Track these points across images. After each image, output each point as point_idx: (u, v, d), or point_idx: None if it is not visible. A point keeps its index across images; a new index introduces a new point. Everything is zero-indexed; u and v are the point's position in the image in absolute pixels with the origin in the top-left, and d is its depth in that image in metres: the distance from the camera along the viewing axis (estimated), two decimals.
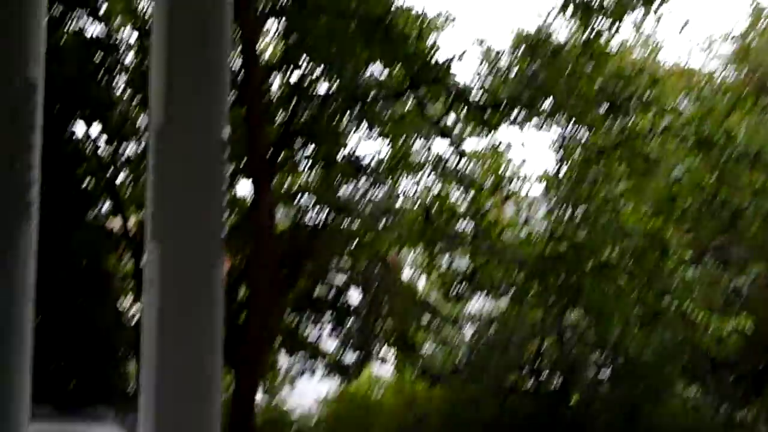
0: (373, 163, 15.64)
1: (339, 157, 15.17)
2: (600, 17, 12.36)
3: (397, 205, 15.96)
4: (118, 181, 15.53)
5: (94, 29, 14.57)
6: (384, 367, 19.57)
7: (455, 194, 15.40)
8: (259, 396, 16.76)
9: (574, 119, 13.59)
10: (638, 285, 12.31)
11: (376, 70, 13.96)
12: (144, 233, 3.23)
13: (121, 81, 15.14)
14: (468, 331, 16.79)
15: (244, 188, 16.19)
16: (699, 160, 12.32)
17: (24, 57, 2.71)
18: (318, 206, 16.66)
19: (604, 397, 13.20)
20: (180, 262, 3.13)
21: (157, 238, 3.11)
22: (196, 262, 3.14)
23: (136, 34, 14.81)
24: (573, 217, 12.59)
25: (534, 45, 13.02)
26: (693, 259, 12.69)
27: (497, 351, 13.97)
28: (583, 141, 13.80)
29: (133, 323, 14.70)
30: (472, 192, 14.90)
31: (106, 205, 15.64)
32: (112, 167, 15.28)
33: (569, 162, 14.24)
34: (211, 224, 3.06)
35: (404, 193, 15.97)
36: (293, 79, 14.73)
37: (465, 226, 14.94)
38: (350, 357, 18.02)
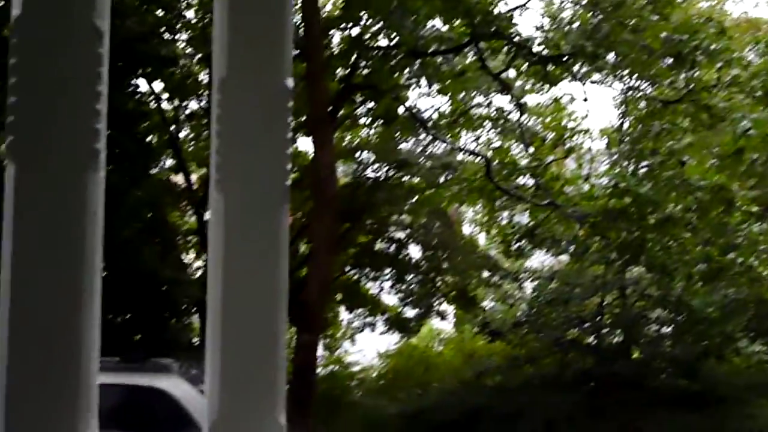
0: (433, 119, 15.58)
1: (399, 112, 15.12)
2: None
3: (458, 161, 15.91)
4: (180, 138, 15.68)
5: None
6: (444, 323, 19.63)
7: (516, 149, 15.31)
8: (320, 351, 16.92)
9: (637, 72, 13.37)
10: (702, 240, 12.16)
11: (437, 23, 13.85)
12: (207, 188, 3.27)
13: (182, 38, 15.23)
14: (528, 287, 16.75)
15: (305, 144, 16.25)
16: (766, 113, 12.06)
17: (91, 3, 2.73)
18: (378, 162, 16.68)
19: (665, 353, 13.09)
20: (244, 212, 3.17)
21: (221, 189, 3.15)
22: (261, 212, 3.16)
23: None
24: (636, 171, 12.42)
25: None
26: (759, 214, 12.48)
27: (558, 307, 13.90)
28: (647, 94, 13.59)
29: (197, 277, 14.89)
30: (533, 147, 14.80)
31: (169, 162, 15.82)
32: (174, 124, 15.42)
33: (632, 116, 14.04)
34: (276, 174, 3.08)
35: (464, 148, 15.90)
36: (353, 33, 14.68)
37: (526, 181, 14.86)
38: (410, 312, 18.08)
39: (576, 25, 13.35)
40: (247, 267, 2.97)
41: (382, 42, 14.51)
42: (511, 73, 14.59)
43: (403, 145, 16.43)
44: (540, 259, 16.99)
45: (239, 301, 3.02)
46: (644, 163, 12.51)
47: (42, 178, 2.43)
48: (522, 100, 14.91)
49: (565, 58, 13.20)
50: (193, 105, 15.41)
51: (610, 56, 13.18)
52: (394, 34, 14.10)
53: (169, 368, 8.28)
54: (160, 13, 14.44)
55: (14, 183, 2.41)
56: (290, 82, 2.89)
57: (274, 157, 2.99)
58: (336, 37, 15.00)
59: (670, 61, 12.70)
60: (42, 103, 2.40)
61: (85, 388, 2.43)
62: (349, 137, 17.11)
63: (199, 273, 15.68)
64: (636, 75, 13.60)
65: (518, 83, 15.18)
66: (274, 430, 2.94)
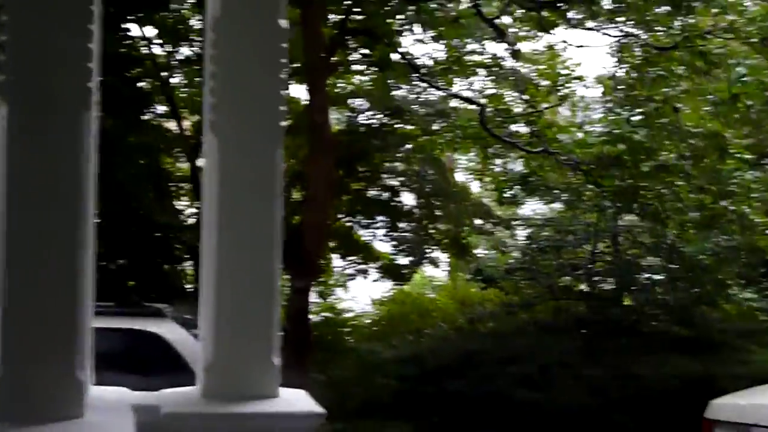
0: (427, 65, 15.49)
1: (393, 59, 15.02)
2: None
3: (451, 108, 15.85)
4: (172, 84, 15.57)
5: None
6: (437, 270, 19.70)
7: (510, 97, 15.25)
8: (314, 297, 16.98)
9: (632, 18, 13.28)
10: (695, 187, 12.18)
11: None
12: (201, 134, 3.25)
13: None
14: (521, 234, 16.78)
15: (299, 90, 16.17)
16: (762, 60, 12.01)
17: None
18: (371, 109, 16.61)
19: (657, 300, 13.16)
20: (239, 154, 3.14)
21: (215, 131, 3.12)
22: (256, 154, 3.14)
23: None
24: (630, 118, 12.39)
25: None
26: (752, 162, 12.49)
27: (550, 254, 13.95)
28: (642, 41, 13.51)
29: (190, 224, 14.88)
30: (527, 94, 14.75)
31: (162, 108, 15.73)
32: (167, 70, 15.31)
33: (627, 63, 13.98)
34: (271, 115, 3.05)
35: (458, 95, 15.83)
36: None
37: (519, 128, 14.83)
38: (403, 260, 18.13)
39: None
40: (241, 209, 2.97)
41: None
42: (506, 19, 14.50)
43: (397, 92, 16.35)
44: (533, 207, 17.01)
45: (233, 244, 3.03)
46: (639, 110, 12.47)
47: (34, 117, 2.42)
48: (516, 47, 14.83)
49: (559, 5, 13.11)
50: (185, 51, 15.29)
51: (606, 2, 13.09)
52: None
53: (162, 313, 8.31)
54: None
55: (7, 123, 2.40)
56: (285, 23, 2.86)
57: (269, 98, 2.97)
58: None
59: (665, 7, 12.62)
60: (33, 42, 2.38)
61: (80, 331, 2.44)
62: (342, 84, 17.02)
63: (192, 220, 15.68)
64: (631, 22, 13.51)
65: (512, 30, 15.08)
66: (268, 370, 2.97)
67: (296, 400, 3.00)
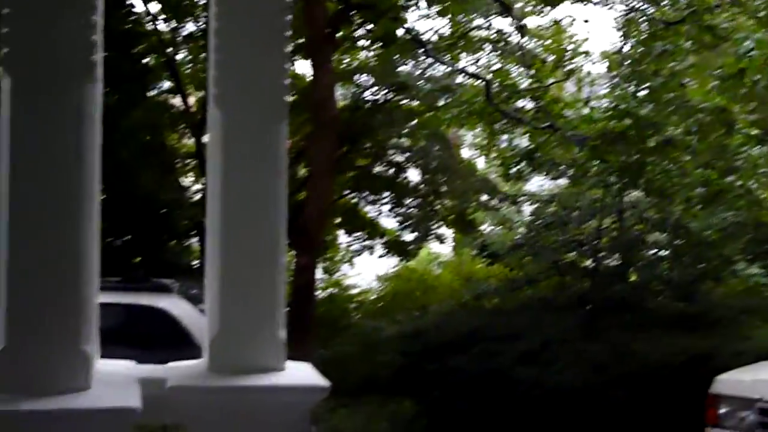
0: (432, 41, 15.44)
1: (398, 34, 14.97)
2: None
3: (457, 83, 15.80)
4: (177, 60, 15.55)
5: None
6: (442, 246, 19.71)
7: (516, 72, 15.20)
8: (319, 273, 17.02)
9: None
10: (701, 163, 12.14)
11: None
12: (206, 111, 3.24)
13: None
14: (527, 210, 16.77)
15: (303, 66, 16.14)
16: None
17: None
18: (377, 84, 16.57)
19: (662, 276, 13.15)
20: (243, 128, 3.14)
21: (219, 105, 3.12)
22: (260, 127, 3.14)
23: None
24: (636, 93, 12.34)
25: None
26: (759, 137, 12.44)
27: (556, 230, 13.93)
28: (648, 15, 13.44)
29: (195, 201, 14.90)
30: (533, 70, 14.69)
31: (166, 85, 15.72)
32: (172, 46, 15.29)
33: (634, 38, 13.90)
34: (275, 88, 3.04)
35: (464, 70, 15.78)
36: None
37: (525, 104, 14.78)
38: (409, 236, 18.14)
39: None
40: (246, 183, 2.97)
41: None
42: None
43: (402, 68, 16.31)
44: (539, 183, 16.98)
45: (238, 218, 3.02)
46: (645, 85, 12.41)
47: (38, 90, 2.42)
48: (522, 22, 14.77)
49: None
50: (190, 26, 15.26)
51: None
52: None
53: (169, 288, 8.34)
54: None
55: (10, 96, 2.39)
56: None
57: (273, 71, 2.97)
58: None
59: None
60: (37, 15, 2.37)
61: (85, 304, 2.45)
62: (347, 60, 16.98)
63: (197, 197, 15.69)
64: None
65: (518, 5, 15.02)
66: (273, 344, 2.98)
67: (302, 373, 3.01)
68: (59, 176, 2.42)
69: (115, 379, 2.64)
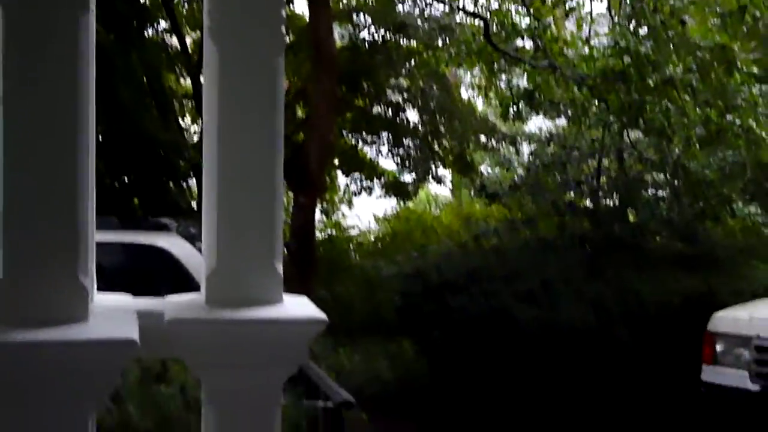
0: None
1: None
2: None
3: (456, 23, 15.67)
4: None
5: None
6: (441, 188, 19.72)
7: (515, 10, 15.05)
8: (318, 215, 17.03)
9: None
10: (701, 102, 12.08)
11: None
12: (202, 50, 3.20)
13: None
14: (526, 150, 16.73)
15: (302, 5, 15.98)
16: None
17: None
18: (375, 24, 16.44)
19: (661, 216, 13.16)
20: (239, 63, 3.10)
21: (215, 39, 3.08)
22: (256, 62, 3.10)
23: None
24: (636, 31, 12.22)
25: None
26: (759, 75, 12.36)
27: (555, 170, 13.90)
28: None
29: (193, 143, 14.86)
30: (533, 8, 14.54)
31: (163, 25, 15.60)
32: None
33: None
34: (271, 20, 3.00)
35: (463, 9, 15.63)
36: None
37: (525, 43, 14.66)
38: (408, 177, 18.14)
39: None
40: (243, 117, 2.94)
41: None
42: None
43: (400, 7, 16.16)
44: (538, 123, 16.93)
45: (235, 157, 3.00)
46: (645, 22, 12.29)
47: (30, 19, 2.38)
48: None
49: None
50: None
51: None
52: None
53: (167, 227, 8.36)
54: None
55: (2, 26, 2.36)
56: None
57: (269, 1, 2.92)
58: None
59: None
60: None
61: (81, 235, 2.44)
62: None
63: (195, 138, 15.65)
64: None
65: None
66: (271, 277, 2.97)
67: (300, 306, 3.01)
68: (53, 104, 2.40)
69: (113, 312, 2.65)
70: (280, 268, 2.92)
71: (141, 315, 2.72)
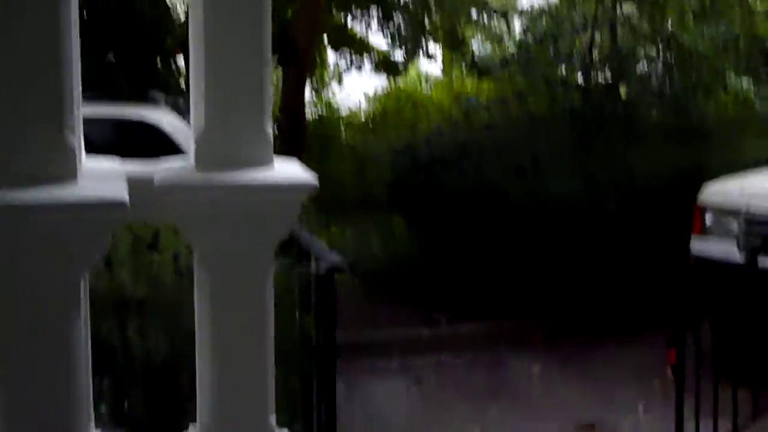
0: None
1: None
2: None
3: None
4: None
5: None
6: (432, 66, 19.53)
7: None
8: (308, 93, 16.91)
9: None
10: None
11: None
12: None
13: None
14: (517, 25, 16.50)
15: None
16: None
17: None
18: None
19: (654, 90, 13.07)
20: None
21: None
22: None
23: None
24: None
25: None
26: None
27: (547, 44, 13.72)
28: None
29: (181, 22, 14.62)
30: None
31: None
32: None
33: None
34: None
35: None
36: None
37: None
38: (398, 53, 17.95)
39: None
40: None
41: None
42: None
43: None
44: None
45: (223, 19, 2.94)
46: None
47: None
48: None
49: None
50: None
51: None
52: None
53: (156, 100, 8.29)
54: None
55: None
56: None
57: None
58: None
59: None
60: None
61: (66, 93, 2.39)
62: None
63: (183, 18, 15.39)
64: None
65: None
66: (261, 138, 2.95)
67: (290, 168, 3.00)
68: None
69: (103, 174, 2.62)
70: (270, 130, 2.90)
71: (130, 179, 2.68)
